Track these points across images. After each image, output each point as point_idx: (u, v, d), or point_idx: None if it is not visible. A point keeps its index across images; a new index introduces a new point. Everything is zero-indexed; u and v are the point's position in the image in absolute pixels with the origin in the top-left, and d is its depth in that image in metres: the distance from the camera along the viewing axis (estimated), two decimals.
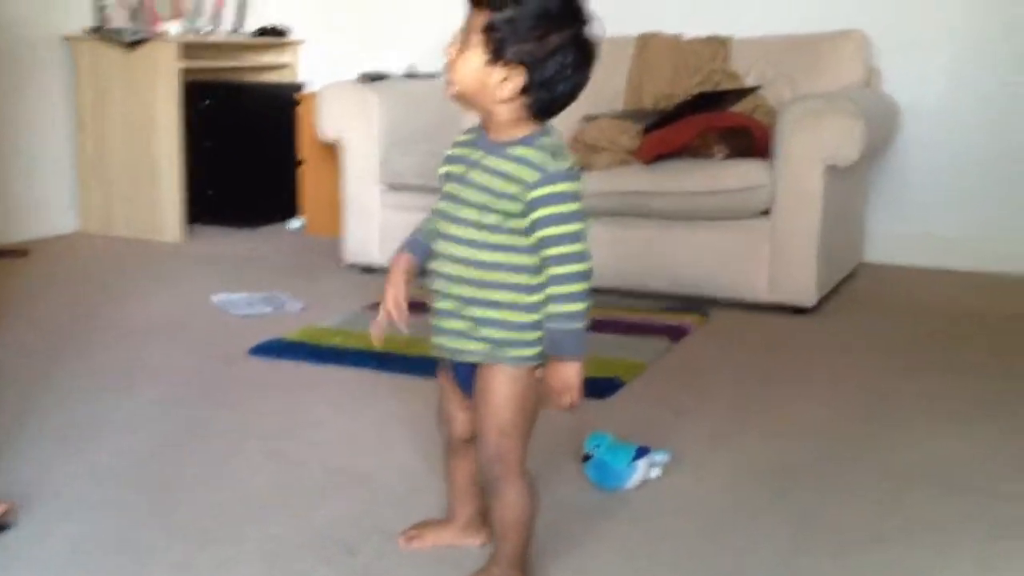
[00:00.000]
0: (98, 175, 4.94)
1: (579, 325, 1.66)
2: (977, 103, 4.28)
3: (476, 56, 1.62)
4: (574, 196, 1.65)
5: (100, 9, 4.96)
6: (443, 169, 1.76)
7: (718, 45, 4.34)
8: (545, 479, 2.27)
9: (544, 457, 2.38)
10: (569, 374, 1.69)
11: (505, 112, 1.66)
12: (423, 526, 2.02)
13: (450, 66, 1.66)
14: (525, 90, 1.62)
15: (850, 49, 4.12)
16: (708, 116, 3.82)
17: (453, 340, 1.74)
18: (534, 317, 1.68)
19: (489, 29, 1.60)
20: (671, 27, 4.45)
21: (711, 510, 2.17)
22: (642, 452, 2.27)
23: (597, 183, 3.76)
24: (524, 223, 1.64)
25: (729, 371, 3.08)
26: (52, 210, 4.93)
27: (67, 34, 4.87)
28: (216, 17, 5.38)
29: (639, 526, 2.10)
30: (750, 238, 3.63)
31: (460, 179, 1.70)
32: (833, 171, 3.55)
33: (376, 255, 4.12)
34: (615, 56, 4.45)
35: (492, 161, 1.67)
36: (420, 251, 1.81)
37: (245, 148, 5.12)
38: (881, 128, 3.88)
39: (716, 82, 4.20)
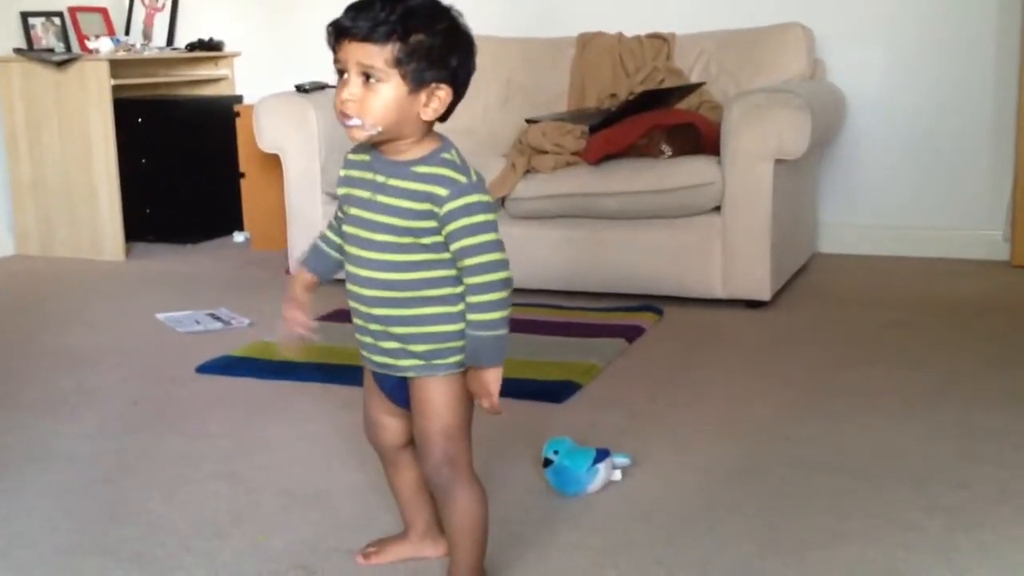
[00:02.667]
0: (34, 196, 4.82)
1: (499, 332, 1.66)
2: (921, 90, 4.31)
3: (393, 90, 1.58)
4: (486, 206, 1.64)
5: (27, 29, 4.84)
6: (342, 191, 1.73)
7: (660, 42, 4.31)
8: (504, 485, 2.22)
9: (502, 463, 2.34)
10: (488, 380, 1.67)
11: (418, 131, 1.64)
12: (381, 542, 1.98)
13: (358, 109, 1.58)
14: (448, 103, 1.62)
15: (792, 41, 4.11)
16: (653, 114, 3.79)
17: (382, 358, 1.73)
18: (459, 326, 1.67)
19: (403, 61, 1.56)
20: (611, 26, 4.43)
21: (673, 514, 2.13)
22: (602, 455, 2.23)
23: (544, 185, 3.72)
24: (439, 238, 1.63)
25: (685, 370, 3.05)
26: None
27: None
28: (147, 33, 5.28)
29: (601, 532, 2.06)
30: (702, 235, 3.60)
31: (367, 204, 1.67)
32: (782, 164, 3.54)
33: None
34: (556, 57, 4.43)
35: (399, 182, 1.64)
36: (322, 265, 1.83)
37: (184, 163, 5.02)
38: (828, 119, 3.87)
39: (660, 80, 4.18)
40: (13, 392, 2.98)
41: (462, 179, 1.62)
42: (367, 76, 1.57)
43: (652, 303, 3.65)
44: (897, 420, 2.61)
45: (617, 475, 2.26)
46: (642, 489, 2.24)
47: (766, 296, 3.59)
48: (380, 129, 1.60)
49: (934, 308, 3.62)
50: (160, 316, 3.70)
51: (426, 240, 1.63)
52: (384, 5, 1.56)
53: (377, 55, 1.56)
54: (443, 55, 1.58)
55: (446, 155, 1.65)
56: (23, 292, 4.26)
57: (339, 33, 1.59)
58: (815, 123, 3.47)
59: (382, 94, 1.58)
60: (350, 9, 1.58)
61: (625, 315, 3.52)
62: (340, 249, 1.77)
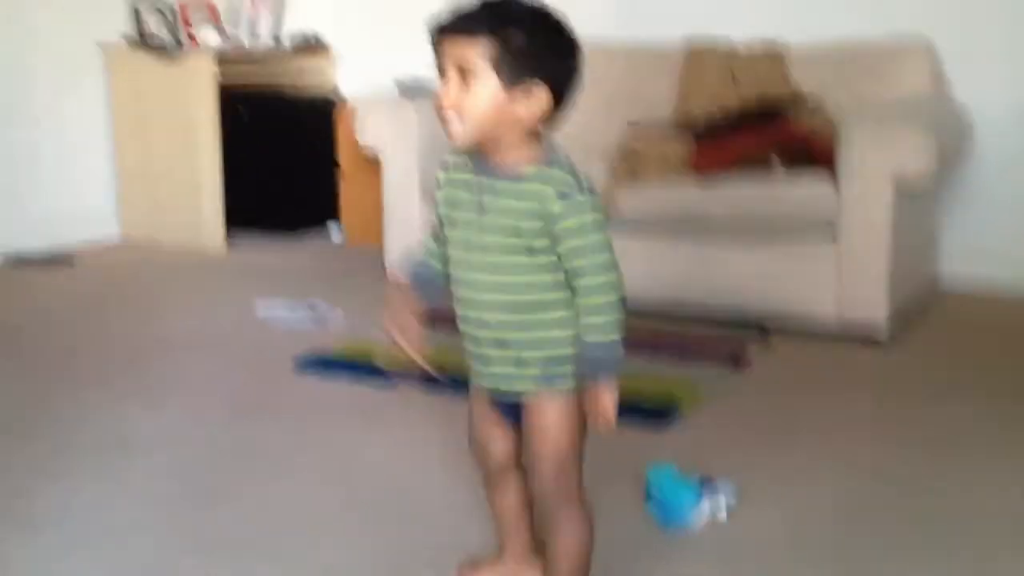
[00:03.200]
0: (140, 184, 4.89)
1: (613, 337, 1.60)
2: None
3: (489, 89, 1.53)
4: (596, 208, 1.59)
5: (135, 16, 4.89)
6: (444, 210, 1.67)
7: (775, 56, 4.17)
8: (604, 513, 2.14)
9: (600, 487, 2.26)
10: (603, 396, 1.62)
11: (519, 134, 1.58)
12: (476, 562, 1.94)
13: (456, 110, 1.54)
14: (546, 103, 1.57)
15: (915, 57, 3.93)
16: (767, 129, 3.67)
17: (499, 380, 1.68)
18: (574, 331, 1.62)
19: (498, 54, 1.52)
20: (721, 30, 4.30)
21: (774, 556, 2.04)
22: (705, 484, 2.15)
23: (649, 198, 3.62)
24: (548, 241, 1.58)
25: (794, 402, 2.91)
26: (96, 219, 4.89)
27: (102, 41, 4.82)
28: (252, 25, 5.30)
29: (698, 570, 1.98)
30: (815, 258, 3.44)
31: (475, 214, 1.62)
32: (904, 186, 3.37)
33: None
34: (663, 65, 4.31)
35: (507, 187, 1.59)
36: (428, 291, 1.75)
37: (284, 157, 5.03)
38: (952, 140, 3.68)
39: (772, 93, 4.04)
40: (111, 379, 3.01)
41: (572, 183, 1.57)
42: (464, 74, 1.53)
43: (759, 328, 3.49)
44: (1020, 471, 2.46)
45: (723, 516, 2.16)
46: (746, 527, 2.15)
47: (882, 326, 3.41)
48: (479, 130, 1.56)
49: None
50: (259, 305, 3.72)
51: (537, 244, 1.58)
52: (487, 5, 1.55)
53: (472, 51, 1.52)
54: (539, 52, 1.55)
55: (555, 160, 1.60)
56: (127, 279, 4.30)
57: (439, 31, 1.56)
58: (939, 144, 3.31)
59: (478, 92, 1.54)
60: (452, 9, 1.56)
61: (731, 339, 3.39)
62: (443, 273, 1.72)
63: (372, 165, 4.40)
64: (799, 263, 3.47)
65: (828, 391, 3.02)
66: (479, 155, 1.62)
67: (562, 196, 1.56)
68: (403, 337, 1.73)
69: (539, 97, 1.56)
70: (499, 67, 1.53)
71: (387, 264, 4.14)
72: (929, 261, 4.05)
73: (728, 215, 3.52)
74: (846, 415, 2.82)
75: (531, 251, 1.59)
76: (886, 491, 2.34)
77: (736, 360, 3.19)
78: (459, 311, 1.67)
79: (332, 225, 5.12)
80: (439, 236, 1.73)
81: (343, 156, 4.90)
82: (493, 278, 1.62)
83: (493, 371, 1.67)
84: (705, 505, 2.13)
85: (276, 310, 3.66)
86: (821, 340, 3.44)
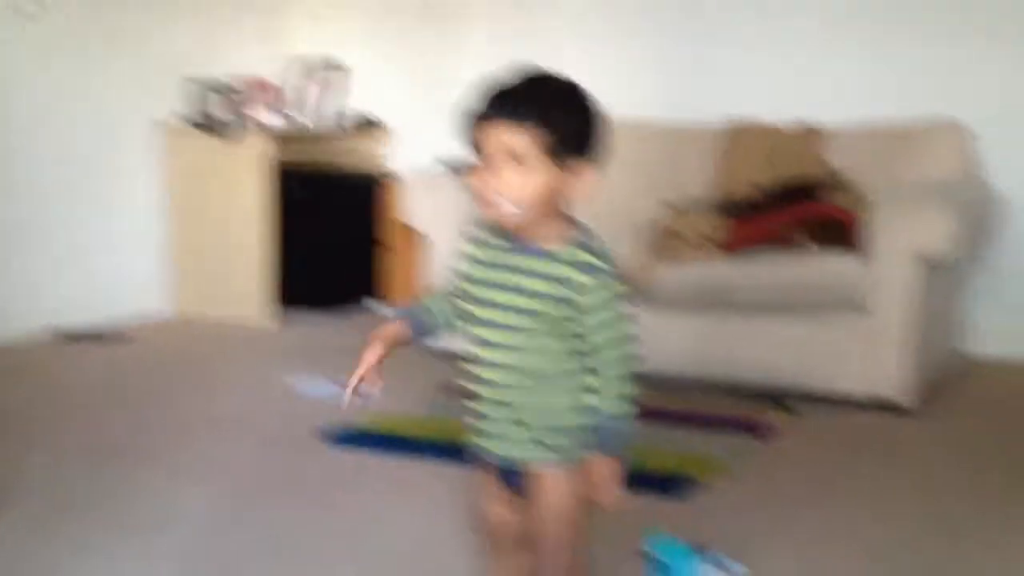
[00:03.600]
0: (193, 260, 5.03)
1: (627, 411, 1.64)
2: None
3: (543, 174, 1.59)
4: (622, 293, 1.65)
5: (197, 95, 5.06)
6: (469, 270, 1.71)
7: (812, 135, 4.23)
8: None
9: (606, 557, 2.28)
10: (608, 472, 1.65)
11: (556, 213, 1.64)
12: None
13: (508, 192, 1.59)
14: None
15: (947, 140, 3.98)
16: (798, 207, 3.72)
17: (504, 445, 1.70)
18: (586, 418, 1.66)
19: (552, 142, 1.57)
20: (759, 110, 4.37)
21: None
22: (710, 559, 2.15)
23: (682, 274, 3.68)
24: (573, 326, 1.62)
25: (818, 475, 2.92)
26: (148, 296, 5.01)
27: (159, 119, 4.98)
28: (311, 107, 5.46)
29: None
30: (841, 332, 3.49)
31: (501, 285, 1.66)
32: (928, 264, 3.41)
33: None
34: (702, 143, 4.39)
35: (536, 265, 1.63)
36: (418, 325, 1.77)
37: (335, 233, 5.16)
38: (980, 220, 3.72)
39: (809, 173, 4.09)
40: (148, 454, 3.07)
41: (601, 264, 1.62)
42: (515, 159, 1.58)
43: (785, 400, 3.53)
44: None
45: None
46: None
47: (907, 400, 3.44)
48: (524, 211, 1.60)
49: None
50: (294, 381, 3.79)
51: (560, 327, 1.62)
52: (528, 90, 1.60)
53: (525, 138, 1.57)
54: (587, 136, 1.61)
55: (584, 239, 1.64)
56: (176, 355, 4.40)
57: (483, 116, 1.60)
58: (962, 225, 3.34)
59: (532, 177, 1.58)
60: (495, 94, 1.60)
61: (755, 410, 3.42)
62: (441, 315, 1.76)
63: (420, 240, 4.49)
64: (827, 335, 3.51)
65: (851, 463, 3.03)
66: (511, 233, 1.66)
67: (590, 272, 1.61)
68: (366, 355, 1.75)
69: (587, 175, 1.62)
70: (552, 154, 1.58)
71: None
72: (957, 335, 4.07)
73: (758, 290, 3.56)
74: (867, 488, 2.81)
75: (551, 334, 1.63)
76: (903, 566, 2.33)
77: (760, 431, 3.20)
78: (475, 385, 1.70)
79: (376, 304, 5.21)
80: (450, 299, 1.76)
81: (393, 232, 5.01)
82: (510, 356, 1.65)
83: (502, 440, 1.69)
84: (710, 571, 2.14)
85: (318, 387, 3.73)
86: (848, 411, 3.47)
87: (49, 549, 2.38)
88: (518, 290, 1.64)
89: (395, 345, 1.76)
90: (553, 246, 1.63)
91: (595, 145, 1.63)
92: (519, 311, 1.64)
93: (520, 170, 1.58)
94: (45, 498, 2.68)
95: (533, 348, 1.64)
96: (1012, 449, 3.14)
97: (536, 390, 1.65)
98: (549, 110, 1.58)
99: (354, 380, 1.75)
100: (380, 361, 1.75)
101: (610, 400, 1.63)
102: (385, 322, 1.78)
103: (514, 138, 1.57)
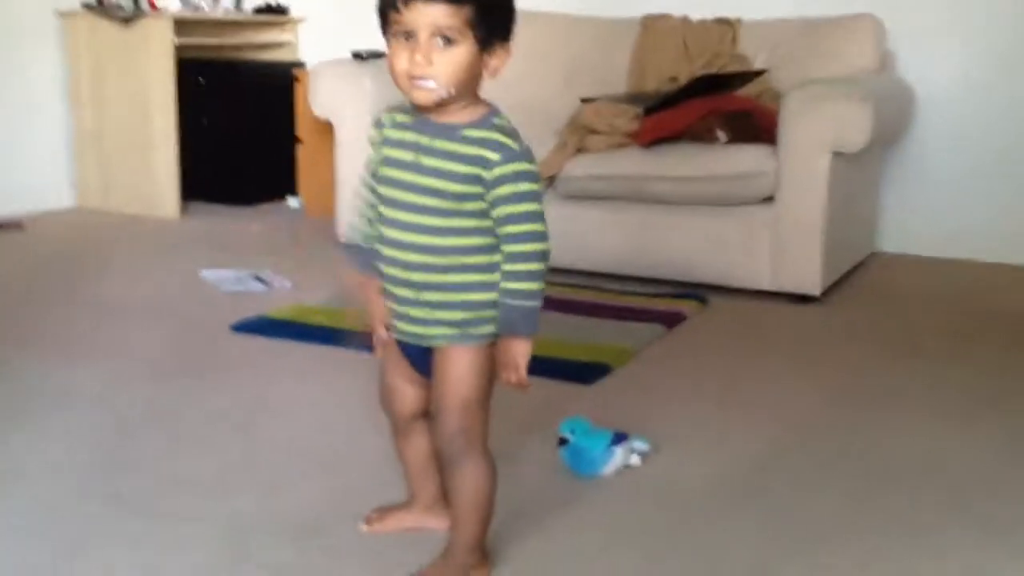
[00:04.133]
0: (95, 151, 4.88)
1: (534, 303, 1.64)
2: (995, 88, 4.13)
3: (465, 50, 1.57)
4: (533, 176, 1.63)
5: None
6: (382, 151, 1.68)
7: (726, 28, 4.22)
8: (519, 462, 2.19)
9: (520, 440, 2.30)
10: (518, 351, 1.66)
11: (472, 94, 1.63)
12: (385, 510, 1.96)
13: (432, 71, 1.56)
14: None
15: (862, 33, 3.98)
16: (712, 99, 3.70)
17: (412, 325, 1.70)
18: (492, 296, 1.65)
19: (478, 19, 1.56)
20: (679, 10, 4.34)
21: (687, 502, 2.08)
22: (619, 438, 2.18)
23: (594, 165, 3.66)
24: (483, 204, 1.62)
25: (722, 359, 2.98)
26: (50, 185, 4.88)
27: (61, 9, 4.81)
28: None
29: (609, 514, 2.02)
30: (752, 224, 3.52)
31: (409, 165, 1.64)
32: (840, 157, 3.43)
33: None
34: (619, 38, 4.36)
35: (449, 145, 1.62)
36: (365, 259, 1.75)
37: (242, 126, 5.04)
38: (892, 114, 3.75)
39: (722, 65, 4.09)
40: (48, 338, 3.01)
41: (513, 145, 1.61)
42: (441, 38, 1.56)
43: (697, 291, 3.57)
44: (936, 424, 2.51)
45: (635, 460, 2.21)
46: (660, 475, 2.19)
47: (816, 291, 3.50)
48: (453, 91, 1.59)
49: (994, 317, 3.47)
50: (204, 273, 3.72)
51: (469, 205, 1.61)
52: None
53: (454, 16, 1.55)
54: (509, 16, 1.61)
55: (497, 120, 1.63)
56: (76, 244, 4.30)
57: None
58: (877, 118, 3.36)
59: (457, 55, 1.57)
60: None
61: (667, 301, 3.45)
62: (376, 230, 1.72)
63: (331, 135, 4.40)
64: (738, 228, 3.53)
65: (758, 349, 3.08)
66: (420, 113, 1.64)
67: (499, 149, 1.59)
68: (371, 304, 1.76)
69: (503, 56, 1.61)
70: (477, 32, 1.57)
71: (339, 232, 4.15)
72: (869, 226, 4.13)
73: (670, 182, 3.56)
74: (773, 371, 2.87)
75: (460, 213, 1.62)
76: (806, 440, 2.38)
77: (672, 322, 3.23)
78: (383, 265, 1.69)
79: (291, 197, 5.14)
80: (372, 203, 1.72)
81: (303, 127, 4.91)
82: (419, 237, 1.63)
83: (408, 319, 1.69)
84: (618, 451, 2.17)
85: (223, 279, 3.66)
86: (758, 301, 3.54)
87: None
88: (425, 169, 1.62)
89: (376, 291, 1.74)
90: (464, 125, 1.62)
91: (512, 25, 1.62)
92: (425, 190, 1.62)
93: (451, 50, 1.57)
94: None
95: (438, 228, 1.63)
96: (906, 334, 3.24)
97: (441, 269, 1.64)
98: None
99: (380, 331, 1.75)
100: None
101: (518, 291, 1.63)
102: (345, 270, 1.78)
103: (441, 14, 1.55)
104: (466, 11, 1.55)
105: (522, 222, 1.61)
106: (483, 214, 1.62)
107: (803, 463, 2.27)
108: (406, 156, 1.65)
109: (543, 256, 1.63)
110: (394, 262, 1.67)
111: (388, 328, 1.74)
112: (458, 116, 1.62)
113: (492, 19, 1.58)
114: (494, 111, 1.65)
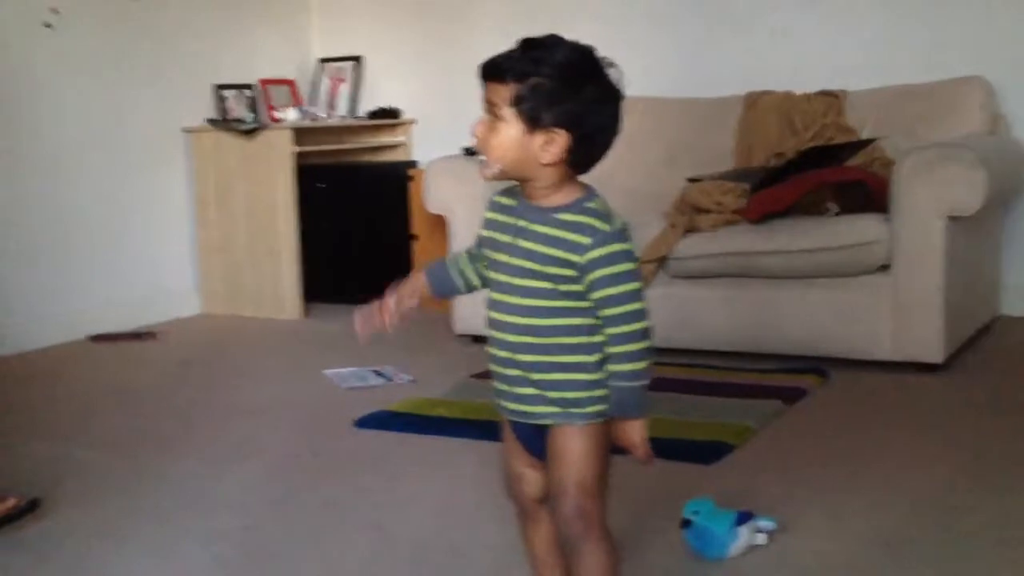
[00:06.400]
0: (221, 258, 5.07)
1: (642, 383, 1.64)
2: None
3: (511, 129, 1.60)
4: (628, 255, 1.63)
5: (220, 100, 5.14)
6: (485, 233, 1.73)
7: (831, 99, 4.21)
8: (644, 546, 2.18)
9: (644, 524, 2.29)
10: (633, 432, 1.66)
11: (548, 176, 1.64)
12: None
13: (483, 146, 1.63)
14: (567, 149, 1.61)
15: (970, 96, 3.94)
16: (820, 172, 3.69)
17: (518, 404, 1.71)
18: (598, 375, 1.66)
19: (519, 99, 1.58)
20: (781, 85, 4.35)
21: None
22: (744, 518, 2.16)
23: (704, 244, 3.67)
24: (579, 287, 1.63)
25: (847, 434, 2.92)
26: (178, 294, 5.08)
27: (187, 126, 5.06)
28: (331, 103, 5.53)
29: None
30: (870, 295, 3.47)
31: (508, 247, 1.68)
32: (957, 222, 3.38)
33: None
34: (722, 116, 4.38)
35: (541, 228, 1.64)
36: (439, 279, 1.82)
37: (361, 226, 5.20)
38: (1007, 174, 3.68)
39: (829, 137, 4.08)
40: (184, 442, 3.11)
41: (605, 227, 1.61)
42: (493, 114, 1.61)
43: (816, 365, 3.52)
44: None
45: (761, 539, 2.18)
46: (788, 555, 2.15)
47: (939, 358, 3.41)
48: (500, 168, 1.62)
49: None
50: (327, 372, 3.82)
51: (563, 287, 1.63)
52: (525, 48, 1.60)
53: (501, 93, 1.59)
54: (560, 98, 1.58)
55: (589, 204, 1.64)
56: (204, 348, 4.46)
57: (480, 74, 1.63)
58: (991, 179, 3.31)
59: (500, 132, 1.60)
60: (495, 56, 1.63)
61: (786, 376, 3.41)
62: (462, 276, 1.79)
63: (444, 231, 4.50)
64: (855, 298, 3.50)
65: (882, 422, 3.02)
66: (522, 196, 1.68)
67: (590, 233, 1.60)
68: (389, 299, 1.81)
69: (559, 143, 1.60)
70: (520, 110, 1.59)
71: (455, 326, 4.22)
72: (986, 293, 4.03)
73: (782, 257, 3.54)
74: (899, 445, 2.80)
75: (557, 294, 1.63)
76: (936, 518, 2.32)
77: (792, 397, 3.19)
78: (490, 347, 1.72)
79: None
80: (467, 257, 1.79)
81: (417, 223, 5.03)
82: (518, 319, 1.66)
83: (515, 398, 1.70)
84: (743, 532, 2.14)
85: (344, 376, 3.75)
86: (880, 372, 3.47)
87: (72, 539, 2.41)
88: (522, 251, 1.65)
89: (416, 294, 1.81)
90: (557, 208, 1.64)
91: (578, 114, 1.59)
92: (520, 271, 1.65)
93: (495, 125, 1.60)
94: (89, 493, 2.71)
95: (536, 308, 1.64)
96: None
97: (544, 349, 1.65)
98: (529, 66, 1.58)
99: (373, 315, 1.82)
100: (400, 304, 1.81)
101: (624, 373, 1.63)
102: (417, 275, 1.82)
103: (493, 90, 1.60)
104: (511, 88, 1.58)
105: (621, 303, 1.61)
106: (581, 296, 1.63)
107: (933, 542, 2.21)
108: (505, 239, 1.68)
109: (646, 335, 1.63)
110: (499, 343, 1.70)
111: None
112: (552, 199, 1.64)
113: (535, 100, 1.57)
114: (589, 195, 1.66)
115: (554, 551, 1.85)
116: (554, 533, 1.81)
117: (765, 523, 2.20)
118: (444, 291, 1.84)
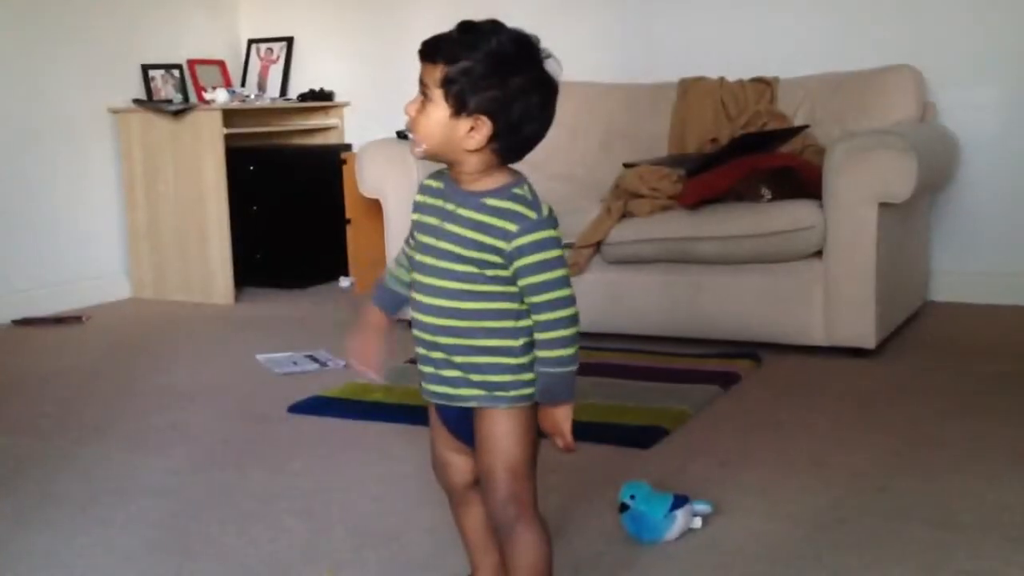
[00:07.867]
0: (149, 242, 4.98)
1: (569, 369, 1.64)
2: None
3: (438, 111, 1.58)
4: (555, 243, 1.62)
5: (147, 80, 5.04)
6: (414, 216, 1.72)
7: (763, 86, 4.25)
8: (580, 530, 2.18)
9: (580, 507, 2.29)
10: (559, 417, 1.65)
11: (475, 162, 1.62)
12: None
13: (413, 125, 1.61)
14: (493, 137, 1.59)
15: (901, 84, 4.00)
16: (753, 158, 3.72)
17: (446, 387, 1.69)
18: (524, 360, 1.65)
19: (447, 82, 1.57)
20: (714, 72, 4.38)
21: (752, 564, 2.05)
22: (680, 501, 2.16)
23: (640, 230, 3.67)
24: (505, 272, 1.61)
25: (780, 417, 2.95)
26: (106, 277, 4.99)
27: (113, 106, 4.94)
28: (261, 84, 5.45)
29: None
30: (803, 280, 3.51)
31: (434, 230, 1.66)
32: (888, 208, 3.42)
33: None
34: (657, 102, 4.40)
35: (467, 212, 1.62)
36: (389, 299, 1.81)
37: (293, 210, 5.14)
38: (937, 162, 3.74)
39: (762, 124, 4.11)
40: (109, 427, 3.05)
41: (532, 215, 1.60)
42: (424, 95, 1.59)
43: (751, 350, 3.55)
44: (1002, 476, 2.46)
45: (697, 522, 2.19)
46: (723, 538, 2.16)
47: (870, 344, 3.46)
48: (425, 147, 1.61)
49: None
50: (259, 357, 3.76)
51: (489, 272, 1.61)
52: (459, 30, 1.59)
53: (432, 73, 1.58)
54: (487, 85, 1.56)
55: (517, 190, 1.63)
56: (133, 333, 4.38)
57: (418, 53, 1.62)
58: (922, 166, 3.35)
59: (428, 112, 1.59)
60: (432, 38, 1.61)
61: (721, 361, 3.44)
62: (403, 284, 1.77)
63: (379, 214, 4.46)
64: (788, 284, 3.52)
65: (814, 405, 3.05)
66: (451, 180, 1.66)
67: (519, 232, 1.58)
68: (360, 355, 1.80)
69: (483, 131, 1.58)
70: (447, 93, 1.57)
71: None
72: (919, 276, 4.10)
73: (716, 243, 3.56)
74: (832, 429, 2.83)
75: (482, 278, 1.62)
76: (868, 500, 2.34)
77: (725, 381, 3.21)
78: (415, 330, 1.69)
79: (343, 279, 5.20)
80: (406, 256, 1.76)
81: (351, 207, 4.98)
82: (442, 301, 1.64)
83: (440, 380, 1.68)
84: (679, 516, 2.14)
85: (278, 362, 3.71)
86: (813, 357, 3.50)
87: (20, 530, 2.35)
88: (448, 235, 1.64)
89: (379, 330, 1.81)
90: (483, 193, 1.62)
91: (498, 96, 1.56)
92: (446, 255, 1.64)
93: (425, 106, 1.59)
94: (7, 480, 2.64)
95: (463, 292, 1.63)
96: (963, 385, 3.19)
97: (468, 333, 1.64)
98: (462, 49, 1.56)
99: (370, 362, 1.81)
100: (375, 350, 1.81)
101: (551, 359, 1.62)
102: (362, 311, 1.80)
103: (425, 71, 1.59)
104: (440, 70, 1.57)
105: (548, 290, 1.60)
106: (508, 280, 1.62)
107: (868, 520, 2.23)
108: (433, 221, 1.66)
109: (573, 321, 1.62)
110: (422, 326, 1.68)
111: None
112: (480, 184, 1.62)
113: (462, 84, 1.56)
114: (518, 181, 1.64)
115: (487, 535, 1.85)
116: (485, 517, 1.80)
117: (701, 507, 2.21)
118: (397, 306, 1.82)
